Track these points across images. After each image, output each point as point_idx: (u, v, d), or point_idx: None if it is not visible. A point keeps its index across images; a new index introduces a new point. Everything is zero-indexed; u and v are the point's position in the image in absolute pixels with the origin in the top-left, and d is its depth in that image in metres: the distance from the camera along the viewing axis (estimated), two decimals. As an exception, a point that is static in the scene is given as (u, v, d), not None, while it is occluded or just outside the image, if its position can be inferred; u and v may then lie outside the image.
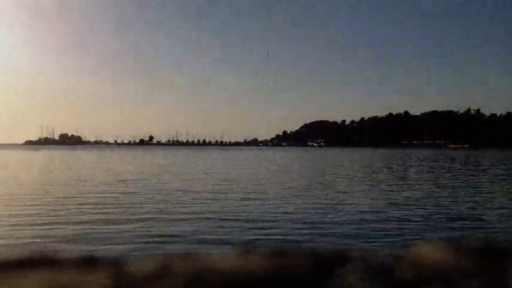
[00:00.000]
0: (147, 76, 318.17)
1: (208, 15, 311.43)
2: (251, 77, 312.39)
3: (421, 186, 18.60)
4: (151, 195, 14.53)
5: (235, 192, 15.55)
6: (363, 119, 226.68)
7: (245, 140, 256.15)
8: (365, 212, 11.41)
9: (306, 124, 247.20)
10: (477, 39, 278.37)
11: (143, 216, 10.44)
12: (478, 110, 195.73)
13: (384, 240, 8.07)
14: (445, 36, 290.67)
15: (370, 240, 8.06)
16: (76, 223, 9.45)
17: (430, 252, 0.72)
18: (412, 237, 8.28)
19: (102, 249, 7.08)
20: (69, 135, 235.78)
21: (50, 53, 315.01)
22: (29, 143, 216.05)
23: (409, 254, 0.74)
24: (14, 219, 9.82)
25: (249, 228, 9.01)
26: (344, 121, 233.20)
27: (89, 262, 0.70)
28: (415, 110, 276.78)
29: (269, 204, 12.52)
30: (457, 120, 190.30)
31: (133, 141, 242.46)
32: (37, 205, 12.11)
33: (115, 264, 0.68)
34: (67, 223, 9.45)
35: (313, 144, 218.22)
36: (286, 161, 48.77)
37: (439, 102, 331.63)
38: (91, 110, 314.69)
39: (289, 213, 11.07)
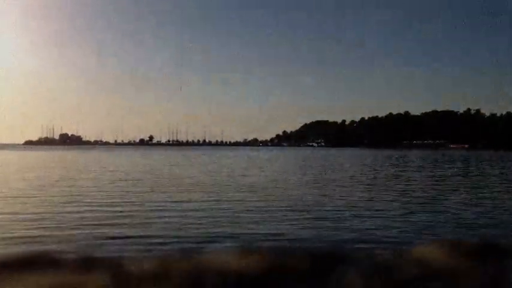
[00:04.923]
0: (147, 76, 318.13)
1: (207, 16, 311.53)
2: (251, 76, 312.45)
3: (421, 187, 18.60)
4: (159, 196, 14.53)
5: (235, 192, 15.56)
6: (363, 119, 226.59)
7: (245, 140, 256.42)
8: (365, 212, 11.41)
9: (306, 124, 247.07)
10: (477, 39, 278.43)
11: (148, 215, 10.44)
12: (478, 110, 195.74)
13: (384, 240, 8.06)
14: (445, 36, 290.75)
15: (370, 240, 8.05)
16: (77, 223, 9.45)
17: (430, 252, 0.72)
18: (412, 237, 8.28)
19: (102, 250, 7.08)
20: (69, 135, 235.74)
21: (50, 53, 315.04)
22: (29, 143, 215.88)
23: (409, 254, 0.73)
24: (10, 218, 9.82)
25: (248, 227, 9.01)
26: (344, 121, 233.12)
27: (89, 262, 0.69)
28: (415, 110, 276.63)
29: (268, 202, 12.52)
30: (457, 120, 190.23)
31: (134, 141, 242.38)
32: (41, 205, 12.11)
33: (115, 265, 0.68)
34: (68, 223, 9.46)
35: (313, 144, 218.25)
36: (287, 160, 48.76)
37: (439, 102, 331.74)
38: (91, 110, 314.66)
39: (287, 212, 11.07)
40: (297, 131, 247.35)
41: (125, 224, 9.44)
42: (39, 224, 9.28)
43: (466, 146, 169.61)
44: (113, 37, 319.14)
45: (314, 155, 75.59)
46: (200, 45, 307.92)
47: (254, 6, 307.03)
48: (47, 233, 8.38)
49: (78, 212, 10.91)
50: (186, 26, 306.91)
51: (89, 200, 13.20)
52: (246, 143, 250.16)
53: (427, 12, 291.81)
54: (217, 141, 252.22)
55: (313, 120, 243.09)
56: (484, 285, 0.64)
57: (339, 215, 10.78)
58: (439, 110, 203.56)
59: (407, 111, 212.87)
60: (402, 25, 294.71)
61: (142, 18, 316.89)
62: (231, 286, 0.61)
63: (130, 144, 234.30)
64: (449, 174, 27.09)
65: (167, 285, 0.62)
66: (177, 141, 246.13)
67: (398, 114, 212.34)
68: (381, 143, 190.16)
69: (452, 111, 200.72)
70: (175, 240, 7.92)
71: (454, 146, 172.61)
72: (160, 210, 11.42)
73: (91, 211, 11.12)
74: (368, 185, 19.24)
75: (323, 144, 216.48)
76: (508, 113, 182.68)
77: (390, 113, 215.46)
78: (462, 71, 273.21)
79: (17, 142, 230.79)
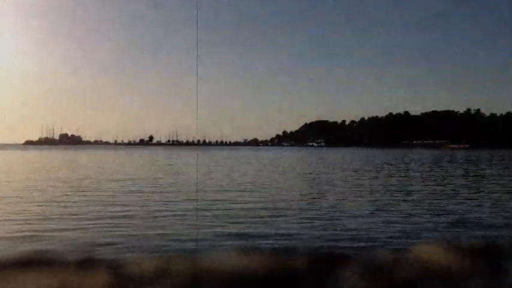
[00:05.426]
0: (148, 76, 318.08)
1: (208, 17, 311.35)
2: (251, 76, 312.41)
3: (420, 187, 18.59)
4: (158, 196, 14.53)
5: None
6: (363, 119, 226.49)
7: (245, 140, 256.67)
8: (365, 211, 11.41)
9: (306, 124, 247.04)
10: (477, 39, 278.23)
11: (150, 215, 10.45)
12: (478, 110, 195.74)
13: (384, 240, 8.07)
14: (445, 36, 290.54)
15: (370, 240, 8.05)
16: (76, 223, 9.46)
17: (430, 252, 0.72)
18: (412, 237, 8.28)
19: (103, 250, 7.08)
20: (69, 135, 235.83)
21: (50, 53, 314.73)
22: (29, 143, 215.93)
23: (409, 254, 0.74)
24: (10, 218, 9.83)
25: (248, 227, 9.01)
26: (344, 121, 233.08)
27: (89, 262, 0.70)
28: (415, 110, 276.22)
29: (266, 201, 12.52)
30: (457, 120, 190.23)
31: (133, 141, 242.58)
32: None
33: (115, 265, 0.68)
34: (68, 223, 9.46)
35: (313, 144, 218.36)
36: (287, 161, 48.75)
37: (439, 102, 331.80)
38: (91, 110, 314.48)
39: (287, 212, 11.07)
40: (297, 131, 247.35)
41: (125, 224, 9.45)
42: (39, 224, 9.28)
43: (467, 145, 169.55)
44: (113, 37, 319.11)
45: (314, 154, 75.59)
46: (200, 46, 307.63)
47: (255, 7, 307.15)
48: (47, 233, 8.38)
49: (78, 212, 10.92)
50: (188, 28, 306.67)
51: (88, 200, 13.21)
52: (246, 143, 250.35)
53: (427, 12, 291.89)
54: (217, 141, 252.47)
55: (313, 120, 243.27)
56: (484, 285, 0.65)
57: (339, 215, 10.78)
58: (439, 110, 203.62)
59: (407, 111, 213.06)
60: (401, 25, 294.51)
61: (143, 20, 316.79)
62: (231, 286, 0.62)
63: (130, 144, 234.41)
64: (449, 174, 27.09)
65: (167, 285, 0.62)
66: (177, 141, 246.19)
67: (398, 114, 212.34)
68: (380, 143, 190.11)
69: (452, 111, 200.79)
70: (176, 240, 7.92)
71: (454, 146, 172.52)
72: (160, 210, 11.42)
73: (91, 211, 11.12)
74: (368, 184, 19.23)
75: (323, 144, 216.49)
76: (508, 113, 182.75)
77: (390, 113, 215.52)
78: (462, 71, 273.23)
79: (17, 142, 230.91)
